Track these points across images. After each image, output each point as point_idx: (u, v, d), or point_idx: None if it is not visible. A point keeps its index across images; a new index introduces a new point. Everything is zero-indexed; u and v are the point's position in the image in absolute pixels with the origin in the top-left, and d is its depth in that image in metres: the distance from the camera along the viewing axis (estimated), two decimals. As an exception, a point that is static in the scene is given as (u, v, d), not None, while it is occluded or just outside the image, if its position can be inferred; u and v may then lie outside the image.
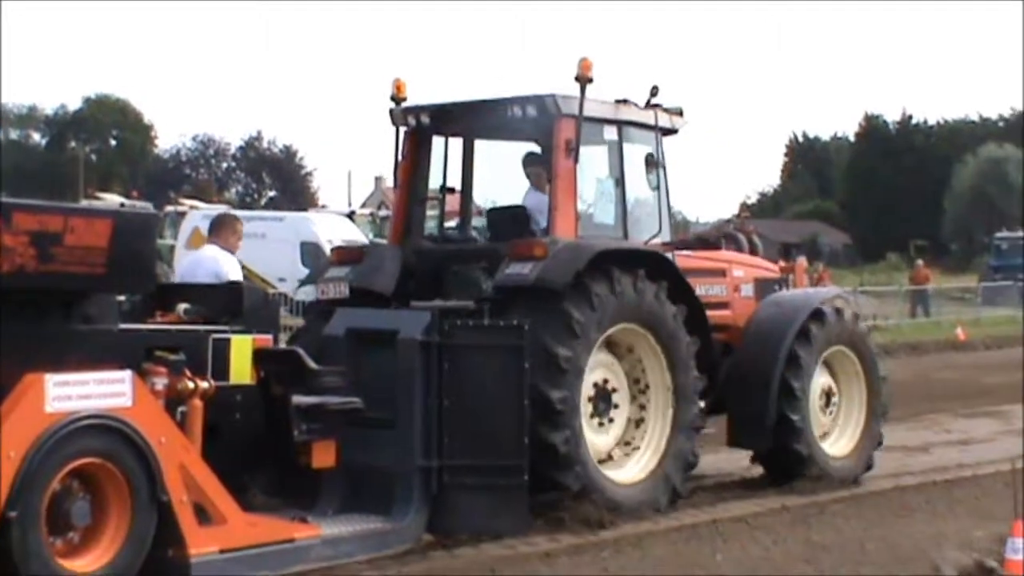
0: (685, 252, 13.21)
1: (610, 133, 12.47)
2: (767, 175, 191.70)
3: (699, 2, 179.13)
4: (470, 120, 12.72)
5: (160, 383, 8.79)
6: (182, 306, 10.01)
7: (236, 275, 11.49)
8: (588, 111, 11.93)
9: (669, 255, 12.43)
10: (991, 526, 10.61)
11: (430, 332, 10.24)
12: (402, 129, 12.75)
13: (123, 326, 9.11)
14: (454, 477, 10.21)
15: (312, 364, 9.90)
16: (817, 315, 13.27)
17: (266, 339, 9.90)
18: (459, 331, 10.36)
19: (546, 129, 11.96)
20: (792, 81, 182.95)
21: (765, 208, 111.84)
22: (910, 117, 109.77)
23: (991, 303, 46.15)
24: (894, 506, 12.11)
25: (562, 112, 11.82)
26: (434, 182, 13.04)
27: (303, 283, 29.19)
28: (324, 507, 10.19)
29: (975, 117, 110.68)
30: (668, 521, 11.44)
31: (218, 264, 11.64)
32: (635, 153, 12.67)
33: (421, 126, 12.61)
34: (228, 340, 9.54)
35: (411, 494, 10.11)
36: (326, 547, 9.50)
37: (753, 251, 17.00)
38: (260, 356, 9.72)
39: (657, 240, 12.50)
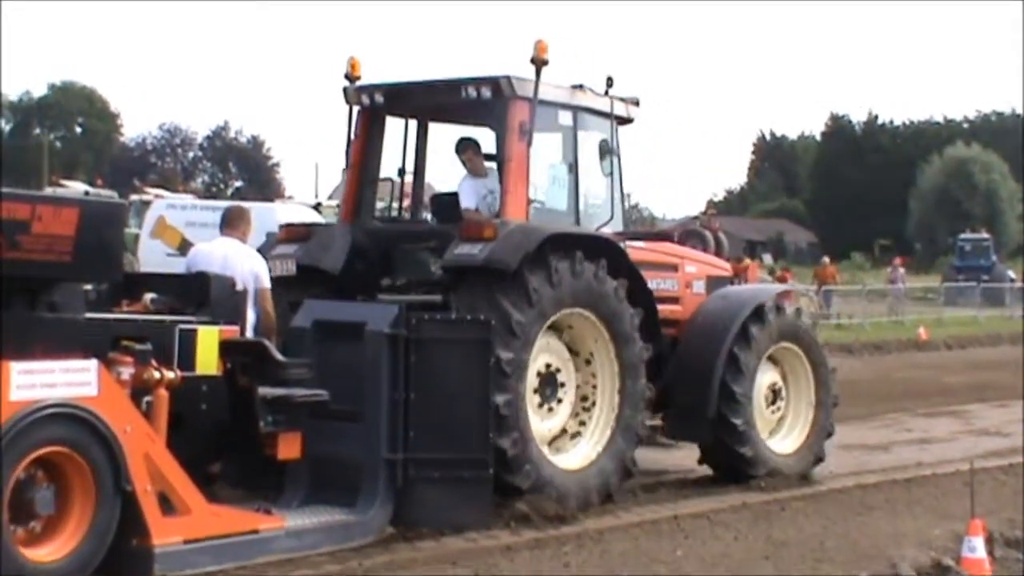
0: (637, 244, 13.11)
1: (565, 118, 12.39)
2: (734, 173, 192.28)
3: (669, 1, 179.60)
4: (424, 100, 12.61)
5: (126, 372, 8.79)
6: (149, 296, 10.00)
7: (267, 279, 11.39)
8: (543, 95, 11.84)
9: (621, 245, 12.38)
10: (949, 525, 10.70)
11: (397, 325, 10.25)
12: (355, 108, 12.65)
13: (89, 315, 9.10)
14: (419, 470, 10.23)
15: (278, 356, 9.92)
16: (759, 313, 13.17)
17: (233, 330, 9.90)
18: (426, 325, 10.39)
19: (500, 111, 11.84)
20: (760, 80, 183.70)
21: (732, 206, 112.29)
22: (876, 117, 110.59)
23: (953, 303, 46.44)
24: (854, 504, 12.18)
25: (516, 94, 11.71)
26: (392, 166, 12.96)
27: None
28: (289, 498, 10.20)
29: (940, 119, 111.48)
30: (629, 516, 11.50)
31: (255, 263, 11.43)
32: (589, 140, 12.59)
33: (375, 105, 12.50)
34: (195, 331, 9.54)
35: (376, 486, 10.12)
36: (290, 538, 9.51)
37: (719, 248, 17.09)
38: (226, 347, 9.72)
39: (608, 228, 12.44)
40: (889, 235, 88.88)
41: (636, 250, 12.80)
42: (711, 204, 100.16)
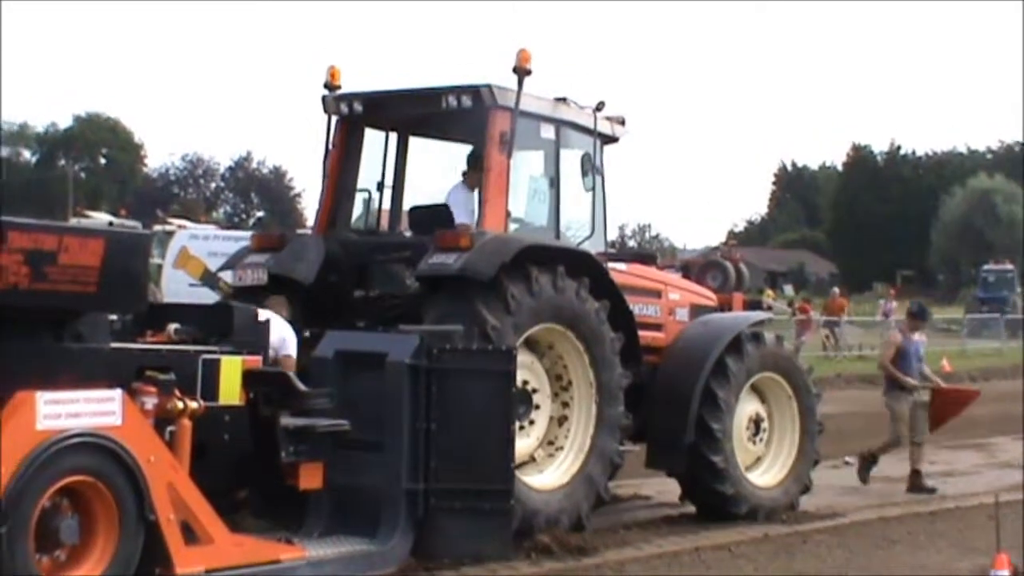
0: (619, 266, 12.93)
1: (547, 131, 12.25)
2: (755, 203, 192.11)
3: (689, 30, 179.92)
4: (403, 110, 12.45)
5: (150, 402, 8.81)
6: (172, 326, 10.04)
7: (294, 349, 11.18)
8: (525, 105, 11.71)
9: (603, 264, 12.19)
10: (973, 558, 10.67)
11: (419, 356, 10.25)
12: (334, 118, 12.53)
13: (114, 345, 9.16)
14: (440, 500, 10.21)
15: (301, 386, 9.95)
16: (736, 344, 12.93)
17: (255, 360, 9.94)
18: (447, 355, 10.36)
19: (480, 120, 11.66)
20: (781, 110, 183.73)
21: (752, 236, 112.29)
22: (898, 148, 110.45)
23: (977, 335, 46.25)
24: (876, 537, 12.15)
25: (497, 103, 11.59)
26: (370, 179, 12.85)
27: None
28: (310, 528, 10.20)
29: (963, 149, 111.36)
30: (650, 548, 11.48)
31: (284, 331, 11.16)
32: (572, 156, 12.45)
33: (353, 115, 12.40)
34: (218, 360, 9.57)
35: (397, 517, 10.12)
36: (311, 568, 9.50)
37: (740, 280, 17.03)
38: (249, 377, 9.75)
39: (589, 245, 12.28)
40: (911, 266, 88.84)
41: (618, 273, 12.60)
42: (732, 235, 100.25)
